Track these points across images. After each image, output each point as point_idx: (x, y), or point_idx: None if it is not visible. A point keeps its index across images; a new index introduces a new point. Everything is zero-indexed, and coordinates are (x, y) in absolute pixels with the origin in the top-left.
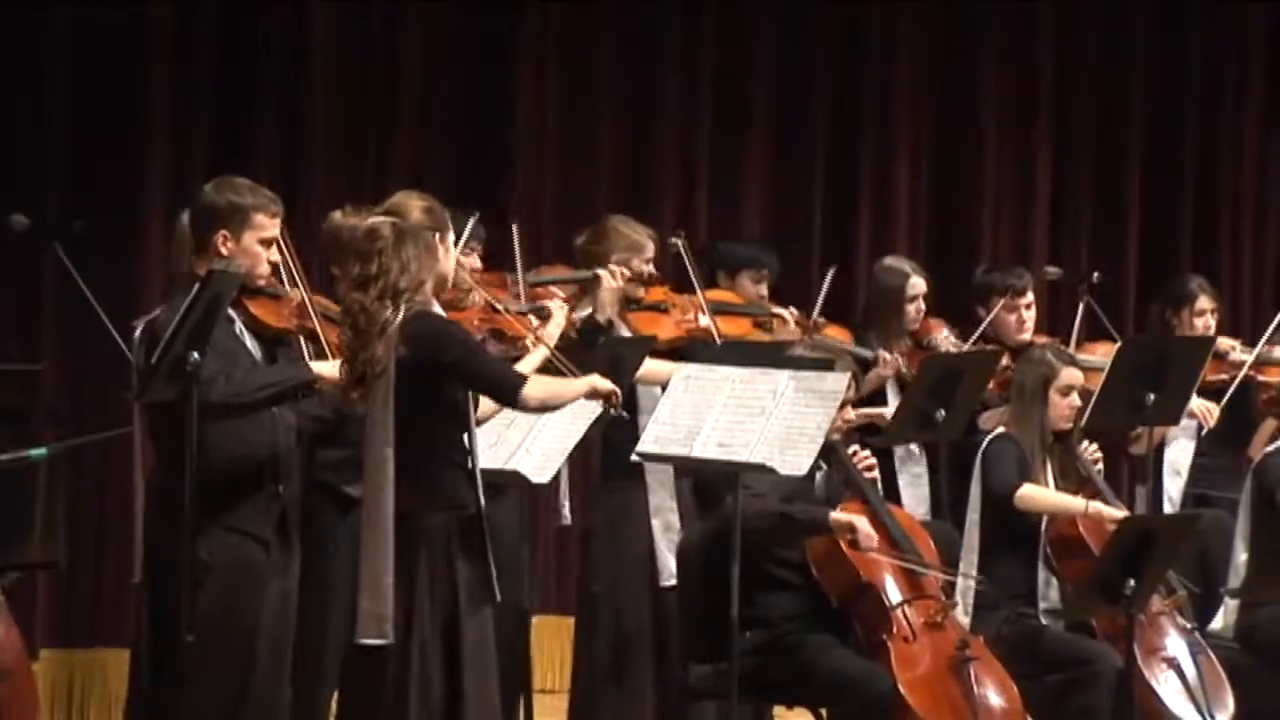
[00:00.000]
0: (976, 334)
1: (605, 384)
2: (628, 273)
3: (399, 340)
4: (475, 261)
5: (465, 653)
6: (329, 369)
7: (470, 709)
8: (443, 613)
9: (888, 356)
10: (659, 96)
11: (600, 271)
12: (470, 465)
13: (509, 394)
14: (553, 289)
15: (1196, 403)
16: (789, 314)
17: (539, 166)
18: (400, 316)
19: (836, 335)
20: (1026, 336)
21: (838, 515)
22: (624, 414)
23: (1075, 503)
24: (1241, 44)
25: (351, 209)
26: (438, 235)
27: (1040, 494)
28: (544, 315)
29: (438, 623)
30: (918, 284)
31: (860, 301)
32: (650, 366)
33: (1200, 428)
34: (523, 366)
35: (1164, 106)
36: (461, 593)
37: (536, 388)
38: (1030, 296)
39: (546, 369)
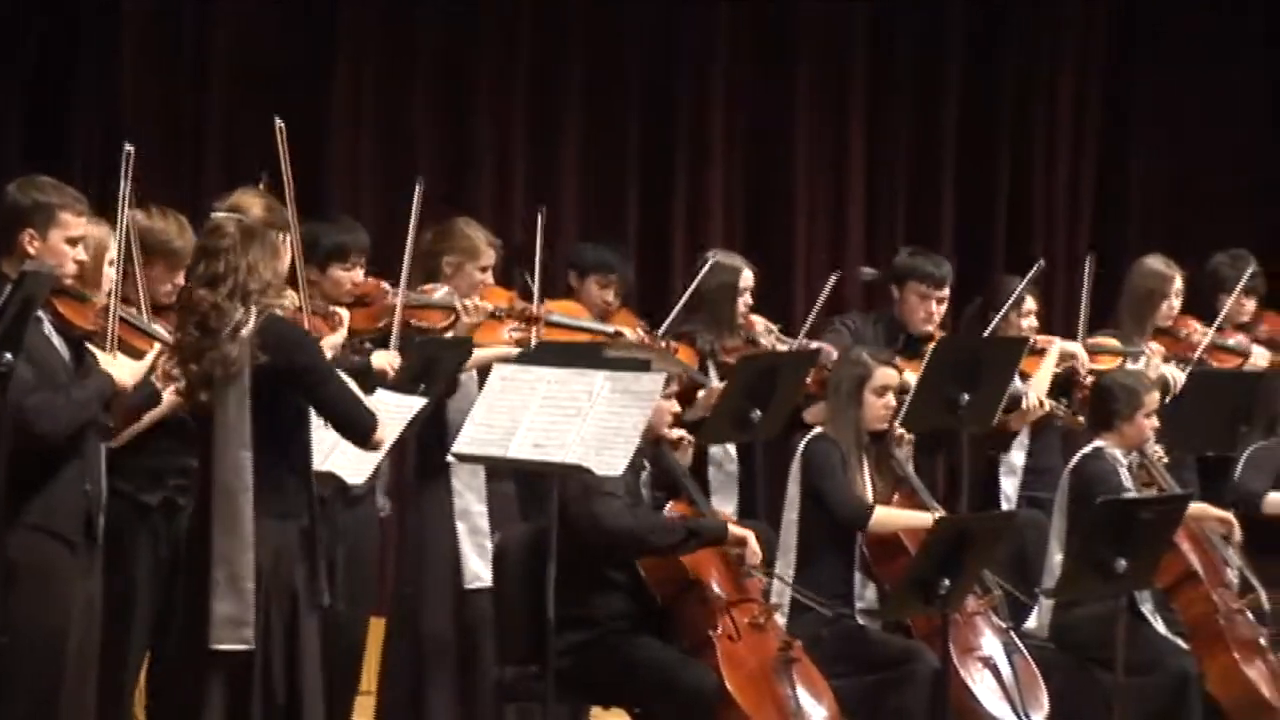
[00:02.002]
0: (874, 318)
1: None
2: (487, 307)
3: (258, 347)
4: (358, 275)
5: (304, 659)
6: (122, 372)
7: (307, 714)
8: (283, 618)
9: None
10: (474, 94)
11: (457, 305)
12: (307, 471)
13: (363, 430)
14: (431, 313)
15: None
16: (635, 333)
17: (353, 168)
18: (254, 320)
19: (684, 356)
20: (931, 328)
21: (735, 529)
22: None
23: (925, 518)
24: (1054, 44)
25: (156, 210)
26: (282, 235)
27: (890, 517)
28: (332, 325)
29: (280, 628)
30: (749, 278)
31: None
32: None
33: (1032, 430)
34: None
35: (978, 103)
36: (301, 598)
37: (384, 429)
38: (945, 292)
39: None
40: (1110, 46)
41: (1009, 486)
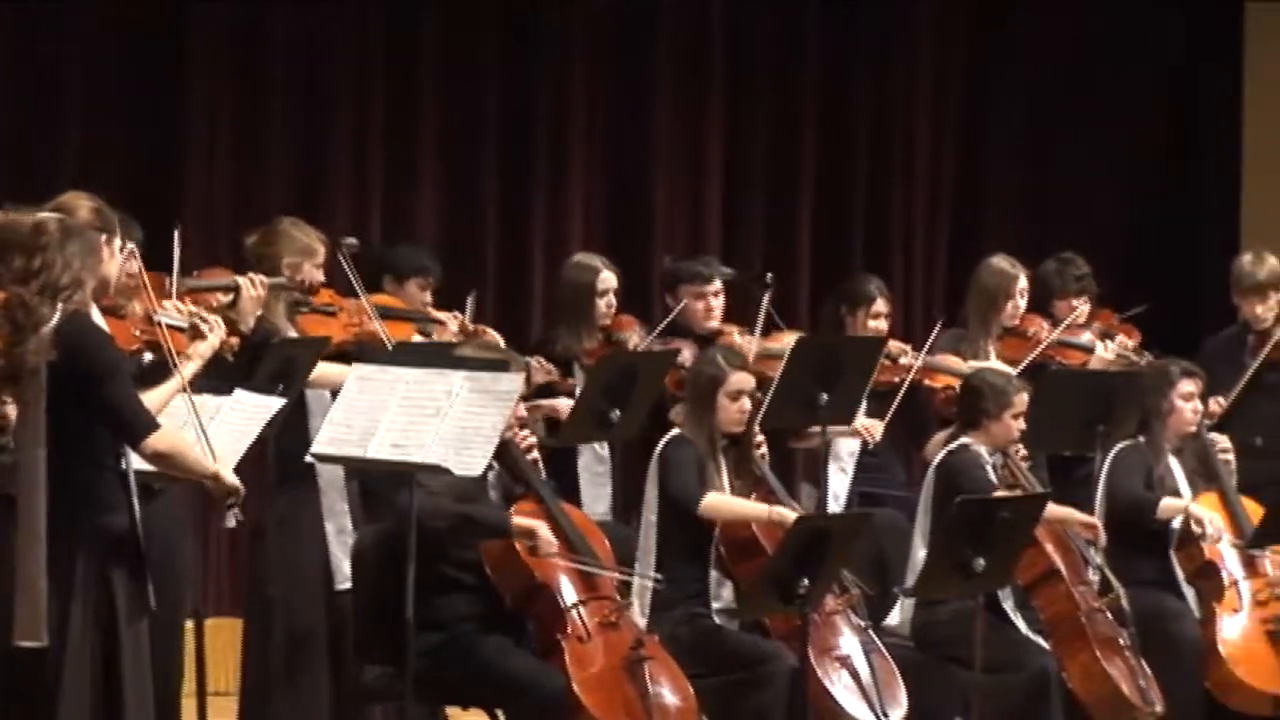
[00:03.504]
0: (664, 324)
1: (231, 481)
2: (267, 281)
3: (51, 344)
4: (133, 266)
5: (124, 666)
6: None
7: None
8: (98, 623)
9: (539, 363)
10: (330, 98)
11: (239, 280)
12: (124, 469)
13: (134, 434)
14: (218, 296)
15: (861, 422)
16: (452, 317)
17: (209, 168)
18: (56, 317)
19: (493, 339)
20: (715, 324)
21: (519, 521)
22: (240, 520)
23: (759, 509)
24: (910, 41)
25: (12, 208)
26: (104, 237)
27: (724, 503)
28: (200, 333)
29: (93, 633)
30: (608, 279)
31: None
32: (322, 370)
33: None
34: (162, 390)
35: (836, 108)
36: (120, 604)
37: (164, 441)
38: (718, 285)
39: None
40: (968, 56)
41: (838, 485)
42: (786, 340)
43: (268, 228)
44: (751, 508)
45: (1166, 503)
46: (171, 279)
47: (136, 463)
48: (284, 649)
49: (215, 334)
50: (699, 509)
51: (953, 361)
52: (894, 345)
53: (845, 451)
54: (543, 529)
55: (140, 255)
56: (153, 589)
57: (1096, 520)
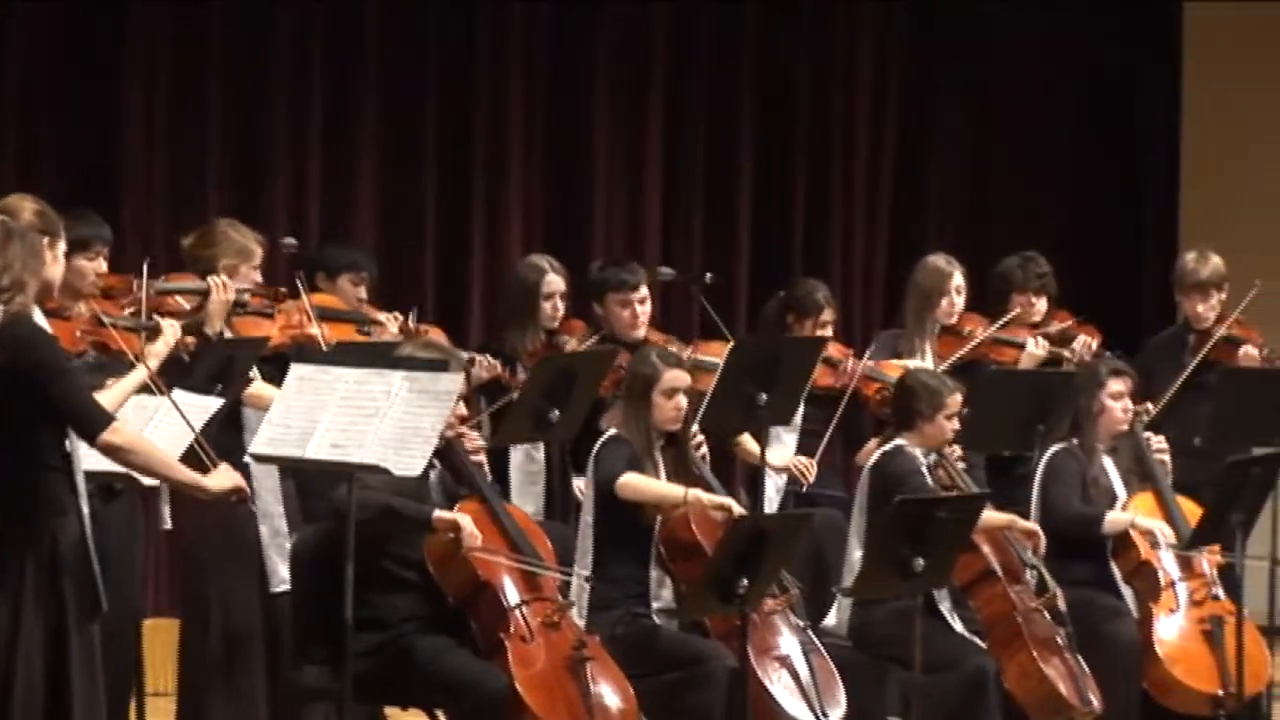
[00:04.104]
0: (600, 333)
1: (232, 481)
2: (233, 284)
3: None
4: (101, 265)
5: (73, 669)
6: None
7: None
8: (47, 626)
9: (485, 359)
10: (268, 97)
11: (211, 281)
12: (70, 470)
13: (90, 429)
14: (178, 299)
15: (795, 460)
16: (392, 318)
17: (147, 169)
18: None
19: (437, 337)
20: (640, 333)
21: (441, 513)
22: (253, 505)
23: (675, 490)
24: (849, 41)
25: None
26: (47, 239)
27: (640, 482)
28: (154, 332)
29: (42, 636)
30: (554, 281)
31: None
32: (259, 389)
33: (800, 425)
34: (120, 387)
35: (775, 110)
36: (70, 607)
37: (120, 436)
38: (644, 292)
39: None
40: (907, 56)
41: (771, 487)
42: (720, 352)
43: (205, 229)
44: (668, 489)
45: (1112, 517)
46: (142, 280)
47: (96, 464)
48: (221, 650)
49: (169, 334)
50: (616, 488)
51: (892, 367)
52: (835, 349)
53: (780, 451)
54: (466, 521)
55: (108, 257)
56: (104, 591)
57: (1036, 527)
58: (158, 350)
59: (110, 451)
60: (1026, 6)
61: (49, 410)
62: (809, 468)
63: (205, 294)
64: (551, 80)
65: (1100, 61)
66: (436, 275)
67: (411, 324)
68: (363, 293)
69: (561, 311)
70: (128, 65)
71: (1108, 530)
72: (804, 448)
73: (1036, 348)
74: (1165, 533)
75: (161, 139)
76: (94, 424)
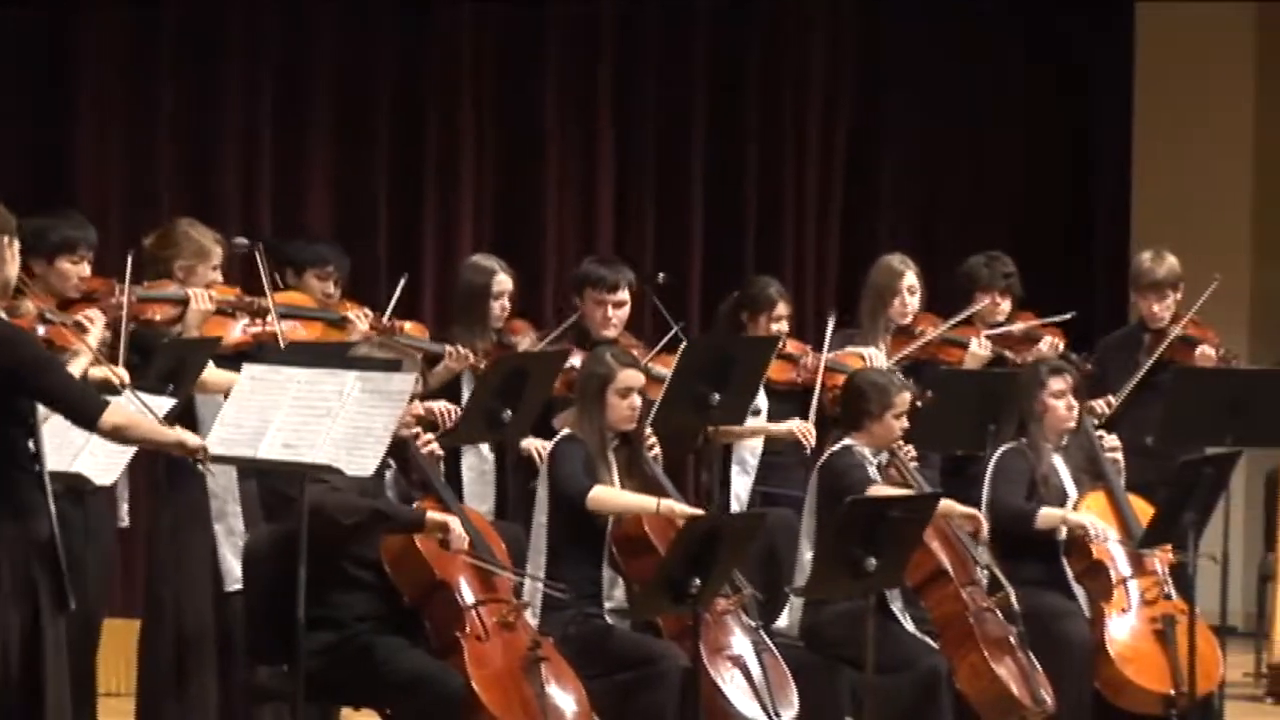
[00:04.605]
0: (564, 326)
1: (194, 440)
2: (217, 296)
3: None
4: (85, 269)
5: (46, 664)
6: None
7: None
8: (22, 623)
9: (456, 350)
10: (220, 96)
11: (191, 293)
12: (38, 470)
13: (89, 415)
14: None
15: (797, 424)
16: (362, 315)
17: (100, 165)
18: None
19: (414, 332)
20: (611, 333)
21: (434, 515)
22: (210, 470)
23: (647, 502)
24: (802, 39)
25: None
26: (5, 239)
27: (611, 495)
28: (82, 327)
29: (19, 630)
30: (504, 281)
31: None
32: (213, 375)
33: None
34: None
35: (727, 108)
36: (43, 604)
37: (119, 415)
38: (622, 295)
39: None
40: (860, 53)
41: (740, 486)
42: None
43: (165, 229)
44: (640, 500)
45: (1044, 512)
46: (125, 285)
47: (60, 465)
48: (175, 649)
49: (96, 328)
50: (586, 501)
51: (852, 358)
52: (793, 345)
53: (748, 451)
54: (455, 523)
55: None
56: (71, 589)
57: (976, 511)
58: (90, 342)
59: (113, 433)
60: (979, 7)
61: (23, 413)
62: (809, 432)
63: (185, 303)
64: (503, 79)
65: (1053, 60)
66: (389, 274)
67: (385, 319)
68: (331, 288)
69: (507, 311)
70: (79, 61)
71: (1040, 526)
72: (771, 444)
73: (980, 348)
74: (1098, 527)
75: (114, 138)
76: (92, 409)
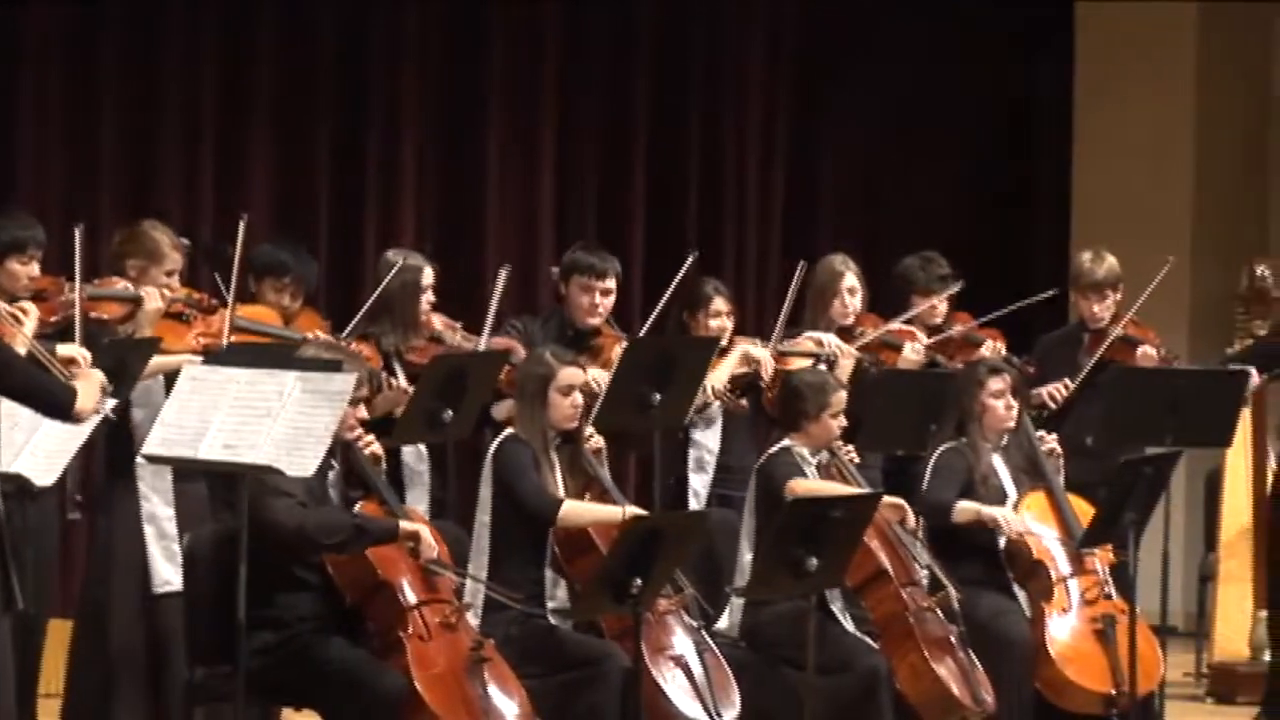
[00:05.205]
0: (545, 317)
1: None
2: (169, 296)
3: None
4: (35, 269)
5: None
6: None
7: None
8: None
9: (394, 383)
10: (161, 92)
11: (144, 291)
12: None
13: (63, 406)
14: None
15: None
16: (319, 335)
17: (42, 168)
18: None
19: (367, 356)
20: (595, 322)
21: (407, 525)
22: (111, 415)
23: (614, 512)
24: (744, 34)
25: None
26: None
27: (580, 510)
28: (17, 319)
29: None
30: (429, 275)
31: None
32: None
33: (724, 426)
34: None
35: (669, 101)
36: None
37: (88, 400)
38: (610, 284)
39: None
40: (802, 52)
41: (699, 483)
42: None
43: (128, 229)
44: (608, 511)
45: (961, 506)
46: (75, 282)
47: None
48: (106, 652)
49: (30, 321)
50: (557, 520)
51: (803, 343)
52: (739, 340)
53: (705, 450)
54: (425, 533)
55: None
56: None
57: (901, 500)
58: (27, 333)
59: (85, 417)
60: (920, 8)
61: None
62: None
63: (138, 301)
64: (445, 79)
65: (993, 61)
66: (329, 272)
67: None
68: (287, 299)
69: (433, 304)
70: (21, 59)
71: (957, 519)
72: (730, 431)
73: (913, 354)
74: (1009, 519)
75: (55, 139)
76: (64, 398)
